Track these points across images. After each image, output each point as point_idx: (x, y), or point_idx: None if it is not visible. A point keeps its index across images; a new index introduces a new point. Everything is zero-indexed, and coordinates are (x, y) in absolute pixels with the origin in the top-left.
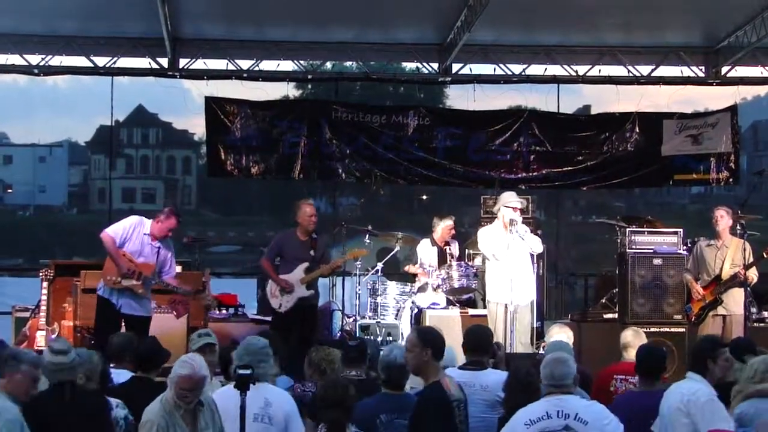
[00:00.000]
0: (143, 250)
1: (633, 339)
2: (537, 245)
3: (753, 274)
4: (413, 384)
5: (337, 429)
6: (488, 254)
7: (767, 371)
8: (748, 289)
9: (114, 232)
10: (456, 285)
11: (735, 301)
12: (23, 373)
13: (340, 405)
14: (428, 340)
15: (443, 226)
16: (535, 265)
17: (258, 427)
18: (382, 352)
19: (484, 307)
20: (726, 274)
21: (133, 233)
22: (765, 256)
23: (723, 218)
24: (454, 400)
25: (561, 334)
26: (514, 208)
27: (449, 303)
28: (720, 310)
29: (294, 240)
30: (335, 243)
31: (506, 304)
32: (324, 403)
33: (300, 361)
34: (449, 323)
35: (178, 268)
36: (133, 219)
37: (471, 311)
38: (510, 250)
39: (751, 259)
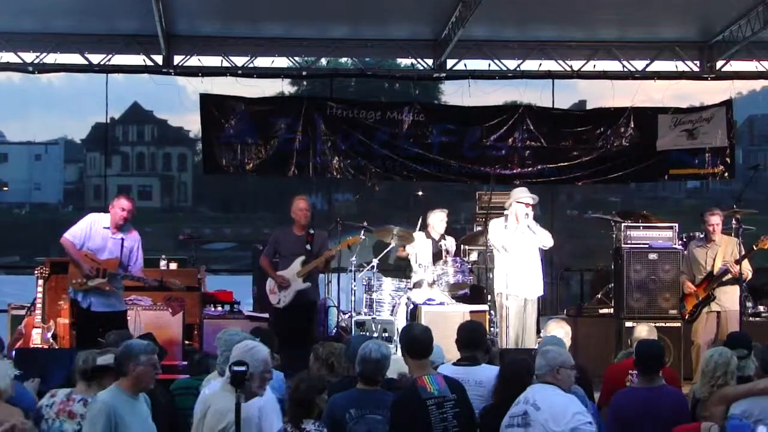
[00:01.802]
0: (106, 245)
1: (648, 335)
2: (548, 239)
3: (747, 269)
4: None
5: (294, 423)
6: (498, 246)
7: (728, 363)
8: (744, 284)
9: (72, 235)
10: (451, 281)
11: (729, 297)
12: (143, 363)
13: (295, 401)
14: (400, 336)
15: (434, 218)
16: (543, 260)
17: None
18: (360, 347)
19: (480, 302)
20: (719, 271)
21: (91, 231)
22: (755, 249)
23: (718, 226)
24: (430, 398)
25: (558, 329)
26: (527, 204)
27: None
28: (714, 306)
29: (290, 235)
30: (331, 239)
31: (509, 295)
32: (289, 395)
33: (299, 358)
34: (445, 319)
35: (174, 266)
36: (89, 217)
37: (467, 307)
38: (520, 244)
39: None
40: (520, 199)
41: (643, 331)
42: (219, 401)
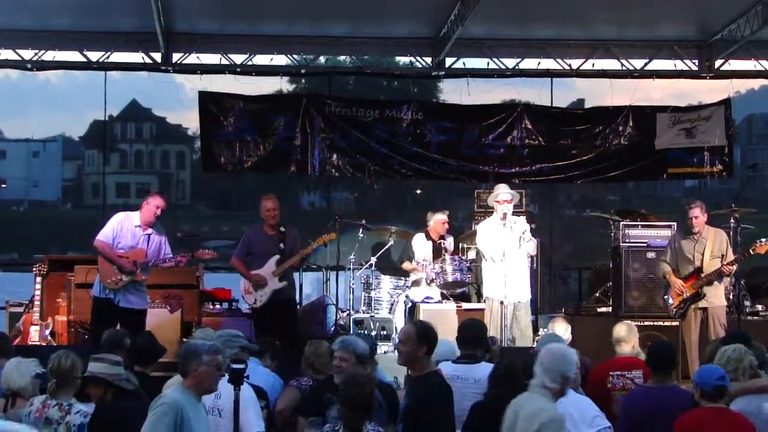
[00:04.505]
0: (137, 242)
1: (627, 334)
2: (531, 249)
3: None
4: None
5: (350, 428)
6: (486, 256)
7: (741, 359)
8: (742, 282)
9: (105, 236)
10: (450, 279)
11: (715, 292)
12: (206, 363)
13: (352, 404)
14: (424, 337)
15: (436, 220)
16: (529, 260)
17: (212, 420)
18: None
19: (478, 300)
20: (707, 266)
21: (122, 230)
22: (751, 253)
23: (698, 219)
24: None
25: (560, 326)
26: (500, 201)
27: (443, 297)
28: (700, 303)
29: (262, 235)
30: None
31: (501, 301)
32: (341, 400)
33: (285, 358)
34: (443, 317)
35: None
36: (118, 216)
37: (465, 305)
38: (508, 248)
39: (730, 248)
40: (497, 198)
41: (622, 330)
42: (528, 405)
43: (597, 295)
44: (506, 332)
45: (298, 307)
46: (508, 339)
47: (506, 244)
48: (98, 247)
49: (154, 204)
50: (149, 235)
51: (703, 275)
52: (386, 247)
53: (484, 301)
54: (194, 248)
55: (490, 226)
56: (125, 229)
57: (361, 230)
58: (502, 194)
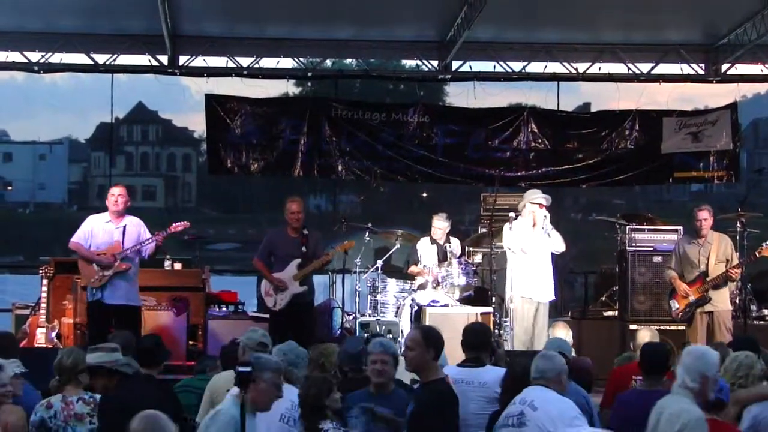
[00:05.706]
0: (112, 237)
1: (651, 340)
2: (560, 244)
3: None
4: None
5: (310, 427)
6: (515, 248)
7: (752, 366)
8: (748, 286)
9: (78, 238)
10: (456, 282)
11: (721, 296)
12: (266, 381)
13: (301, 403)
14: (431, 340)
15: (432, 226)
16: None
17: (282, 428)
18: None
19: (491, 302)
20: (712, 270)
21: (93, 230)
22: (757, 255)
23: (707, 221)
24: None
25: (561, 331)
26: (540, 205)
27: (461, 301)
28: (707, 307)
29: (284, 237)
30: (335, 240)
31: (524, 298)
32: (300, 400)
33: None
34: (449, 321)
35: (178, 266)
36: (89, 219)
37: (471, 309)
38: (536, 246)
39: (735, 253)
40: (534, 200)
41: (646, 336)
42: (671, 406)
43: (603, 299)
44: (520, 334)
45: None
46: (522, 341)
47: (535, 241)
48: (73, 248)
49: (109, 194)
50: (124, 227)
51: (708, 279)
52: (392, 250)
53: (511, 299)
54: (197, 252)
55: (517, 226)
56: (97, 228)
57: (367, 233)
58: (539, 197)
